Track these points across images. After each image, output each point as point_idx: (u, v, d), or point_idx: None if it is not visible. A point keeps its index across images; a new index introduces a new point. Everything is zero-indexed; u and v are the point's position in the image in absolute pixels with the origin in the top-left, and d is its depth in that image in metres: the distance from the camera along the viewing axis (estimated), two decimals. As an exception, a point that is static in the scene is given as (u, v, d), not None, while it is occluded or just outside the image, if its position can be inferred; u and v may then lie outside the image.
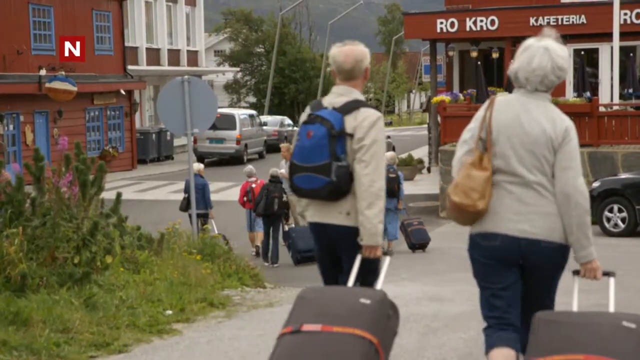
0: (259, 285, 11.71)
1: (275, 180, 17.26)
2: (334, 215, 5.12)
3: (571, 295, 4.62)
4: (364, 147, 5.03)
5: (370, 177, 5.03)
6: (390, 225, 16.84)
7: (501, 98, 4.76)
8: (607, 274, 4.65)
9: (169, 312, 8.30)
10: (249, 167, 19.00)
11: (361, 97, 5.23)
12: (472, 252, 4.76)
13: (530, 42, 4.73)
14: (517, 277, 4.67)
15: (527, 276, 4.68)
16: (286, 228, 17.29)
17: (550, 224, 4.56)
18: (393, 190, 16.61)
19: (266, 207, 16.85)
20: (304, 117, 5.23)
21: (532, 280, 4.68)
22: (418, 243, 17.01)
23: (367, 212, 5.02)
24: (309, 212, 5.27)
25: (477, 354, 6.66)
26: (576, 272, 4.69)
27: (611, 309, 4.44)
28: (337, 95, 5.20)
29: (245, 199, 18.27)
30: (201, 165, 19.07)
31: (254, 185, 18.09)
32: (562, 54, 4.68)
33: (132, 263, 9.78)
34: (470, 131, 4.75)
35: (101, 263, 8.71)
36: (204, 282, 9.97)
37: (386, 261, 5.12)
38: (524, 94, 4.69)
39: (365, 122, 5.07)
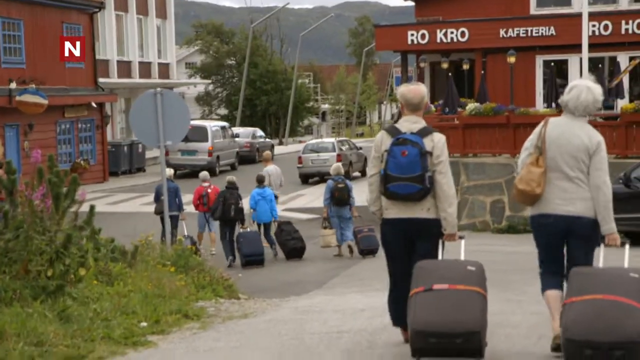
0: (233, 296, 11.70)
1: (231, 187, 18.61)
2: (418, 211, 6.83)
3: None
4: (442, 162, 6.80)
5: (448, 184, 6.81)
6: (348, 230, 18.54)
7: (553, 119, 6.78)
8: (623, 243, 6.66)
9: (144, 324, 8.27)
10: (204, 172, 20.51)
11: (426, 123, 6.97)
12: (532, 227, 6.88)
13: (576, 82, 6.84)
14: (562, 243, 6.75)
15: (571, 242, 6.70)
16: (241, 231, 18.42)
17: (586, 205, 6.61)
18: (343, 199, 18.41)
19: (224, 212, 18.14)
20: (384, 140, 6.88)
21: (575, 244, 6.69)
22: (366, 249, 18.19)
23: (449, 210, 6.81)
24: (392, 211, 6.90)
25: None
26: (602, 240, 6.66)
27: (625, 265, 6.48)
28: (412, 123, 6.90)
29: (199, 202, 19.56)
30: (171, 171, 20.40)
31: (209, 190, 19.47)
32: (599, 92, 6.76)
33: (106, 275, 9.76)
34: (530, 141, 6.82)
35: (75, 276, 8.67)
36: (178, 294, 9.95)
37: (462, 243, 7.01)
38: (569, 117, 6.76)
39: (439, 143, 6.83)
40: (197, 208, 19.57)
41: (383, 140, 6.89)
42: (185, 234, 18.41)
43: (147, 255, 11.45)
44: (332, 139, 40.09)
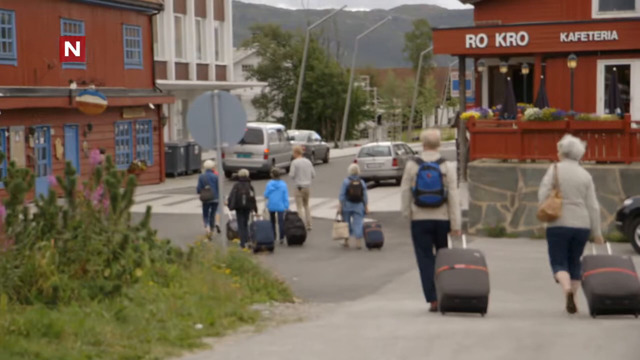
0: (287, 300, 11.68)
1: (243, 179, 20.59)
2: (437, 214, 10.00)
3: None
4: (453, 181, 10.06)
5: (457, 196, 10.08)
6: (358, 226, 20.23)
7: (559, 165, 10.12)
8: (605, 241, 10.27)
9: (199, 326, 8.27)
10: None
11: (440, 155, 10.19)
12: (550, 235, 10.14)
13: (569, 139, 10.28)
14: (567, 245, 10.06)
15: (574, 244, 10.07)
16: (255, 219, 20.40)
17: (586, 220, 10.03)
18: (358, 195, 20.21)
19: (236, 202, 20.26)
20: (413, 167, 10.05)
21: (576, 245, 10.09)
22: (372, 242, 20.06)
23: (457, 213, 10.04)
24: (420, 214, 10.00)
25: (510, 372, 6.60)
26: (591, 241, 10.16)
27: (609, 252, 10.18)
28: (431, 155, 10.14)
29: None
30: (214, 162, 22.10)
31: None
32: (582, 144, 10.28)
33: (162, 277, 9.79)
34: (547, 180, 10.11)
35: (131, 276, 8.72)
36: (233, 296, 9.96)
37: (464, 237, 10.40)
38: (569, 162, 10.13)
39: (450, 169, 10.10)
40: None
41: (412, 167, 10.08)
42: (230, 217, 20.58)
43: (203, 257, 11.47)
44: (388, 143, 39.89)
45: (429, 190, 9.86)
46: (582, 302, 9.97)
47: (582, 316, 9.75)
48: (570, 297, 9.83)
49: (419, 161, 10.05)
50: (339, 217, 20.55)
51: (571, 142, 10.11)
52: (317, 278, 16.19)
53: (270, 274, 12.28)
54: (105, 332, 7.11)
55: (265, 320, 9.31)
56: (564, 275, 9.97)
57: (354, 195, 20.17)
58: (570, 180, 9.96)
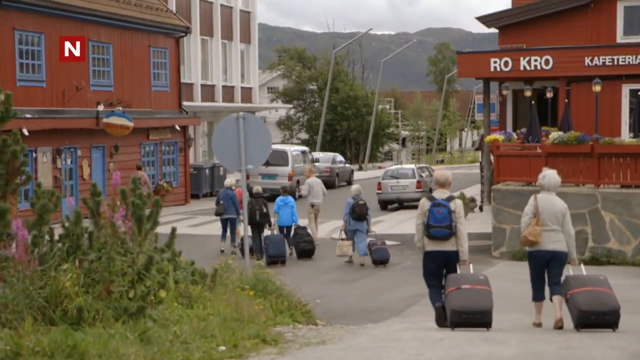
0: (310, 322, 11.70)
1: (257, 196, 21.91)
2: (447, 246, 11.08)
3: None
4: (461, 217, 11.12)
5: (464, 230, 11.14)
6: (362, 244, 21.01)
7: (539, 195, 11.36)
8: (579, 263, 11.57)
9: (223, 348, 8.31)
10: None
11: (450, 193, 11.32)
12: (530, 258, 11.37)
13: (545, 171, 11.62)
14: (545, 267, 11.23)
15: (553, 265, 11.20)
16: (267, 233, 21.55)
17: (562, 244, 11.21)
18: (363, 214, 20.97)
19: (250, 217, 20.67)
20: (425, 203, 11.14)
21: (556, 265, 11.20)
22: (379, 259, 20.82)
23: (465, 245, 11.11)
24: (431, 246, 11.09)
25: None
26: (568, 262, 11.34)
27: (584, 272, 11.30)
28: (441, 194, 11.27)
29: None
30: (234, 180, 23.79)
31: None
32: (559, 178, 11.58)
33: (186, 298, 9.85)
34: (528, 209, 11.34)
35: (155, 297, 8.77)
36: (256, 318, 9.99)
37: (470, 265, 11.26)
38: (547, 193, 11.38)
39: (459, 205, 11.20)
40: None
41: (425, 203, 11.22)
42: (242, 234, 21.08)
43: (226, 279, 11.52)
44: (412, 166, 39.86)
45: (439, 225, 10.98)
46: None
47: (569, 330, 10.76)
48: (539, 325, 11.27)
49: (431, 198, 11.23)
50: (343, 235, 21.39)
51: (544, 175, 11.50)
52: (340, 300, 16.20)
53: (293, 296, 12.31)
54: (129, 353, 7.17)
55: (288, 342, 9.34)
56: (540, 306, 11.32)
57: (359, 214, 20.97)
58: (550, 209, 11.21)
